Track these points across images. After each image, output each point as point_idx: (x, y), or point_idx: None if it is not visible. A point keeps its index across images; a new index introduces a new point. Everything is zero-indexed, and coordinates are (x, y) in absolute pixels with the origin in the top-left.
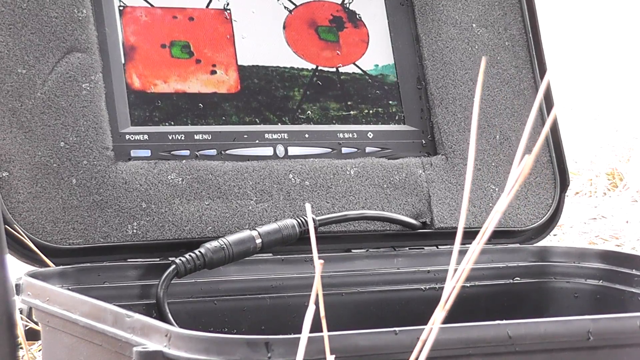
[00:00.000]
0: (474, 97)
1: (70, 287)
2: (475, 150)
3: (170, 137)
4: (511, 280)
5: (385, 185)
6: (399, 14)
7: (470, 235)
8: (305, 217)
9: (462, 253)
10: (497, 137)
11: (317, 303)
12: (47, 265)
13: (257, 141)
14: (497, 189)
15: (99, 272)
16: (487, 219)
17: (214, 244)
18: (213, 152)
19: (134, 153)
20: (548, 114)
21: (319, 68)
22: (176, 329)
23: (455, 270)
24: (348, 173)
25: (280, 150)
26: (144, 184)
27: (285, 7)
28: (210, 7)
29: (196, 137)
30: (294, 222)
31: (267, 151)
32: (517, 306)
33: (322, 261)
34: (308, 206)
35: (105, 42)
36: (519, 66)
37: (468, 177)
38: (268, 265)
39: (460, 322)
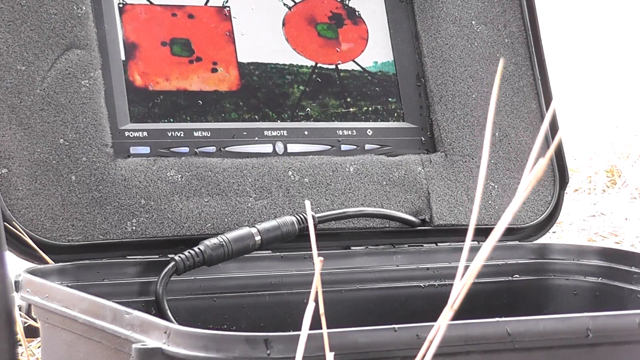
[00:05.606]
0: (487, 99)
1: (69, 284)
2: (486, 149)
3: (169, 134)
4: (510, 278)
5: (384, 183)
6: (398, 11)
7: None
8: (304, 214)
9: (459, 250)
10: (497, 134)
11: (316, 300)
12: (46, 262)
13: (256, 138)
14: (496, 186)
15: (98, 269)
16: (486, 217)
17: (213, 241)
18: (212, 149)
19: (133, 150)
20: (547, 109)
21: (318, 65)
22: (175, 326)
23: (466, 268)
24: (347, 170)
25: (279, 147)
26: (143, 181)
27: (284, 4)
28: (209, 4)
29: (195, 134)
30: (293, 219)
31: (267, 148)
32: (516, 303)
33: (322, 258)
34: (307, 203)
35: (105, 39)
36: (519, 63)
37: (481, 177)
38: (267, 262)
39: (459, 320)
